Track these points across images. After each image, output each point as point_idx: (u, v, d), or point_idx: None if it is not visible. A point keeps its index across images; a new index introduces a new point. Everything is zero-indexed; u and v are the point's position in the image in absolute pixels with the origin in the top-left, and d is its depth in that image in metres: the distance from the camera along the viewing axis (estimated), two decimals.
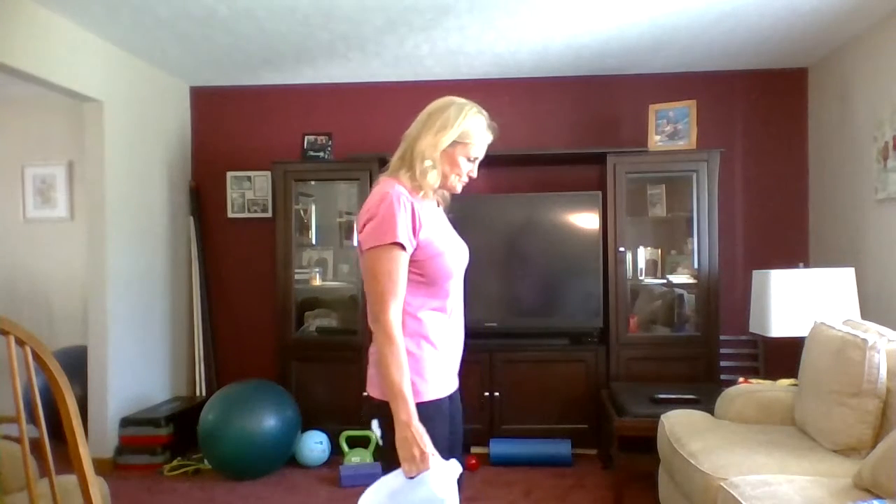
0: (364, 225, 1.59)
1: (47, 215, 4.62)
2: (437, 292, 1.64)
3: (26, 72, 3.15)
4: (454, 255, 1.68)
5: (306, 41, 3.71)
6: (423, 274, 1.61)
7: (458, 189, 1.74)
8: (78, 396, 1.71)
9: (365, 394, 1.67)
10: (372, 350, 1.63)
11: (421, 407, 1.53)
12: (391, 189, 1.58)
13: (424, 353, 1.61)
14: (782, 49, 3.91)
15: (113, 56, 3.78)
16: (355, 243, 1.77)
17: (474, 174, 1.74)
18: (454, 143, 1.66)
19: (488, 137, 1.72)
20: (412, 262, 1.59)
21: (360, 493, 1.51)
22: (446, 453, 1.56)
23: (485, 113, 1.71)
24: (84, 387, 3.74)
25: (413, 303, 1.61)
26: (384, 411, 1.54)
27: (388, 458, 1.56)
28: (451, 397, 1.70)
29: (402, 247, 1.55)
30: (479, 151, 1.71)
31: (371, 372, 1.65)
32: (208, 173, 4.59)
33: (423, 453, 1.47)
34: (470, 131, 1.67)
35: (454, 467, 1.50)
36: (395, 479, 1.49)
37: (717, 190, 3.84)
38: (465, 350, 1.79)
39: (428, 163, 1.63)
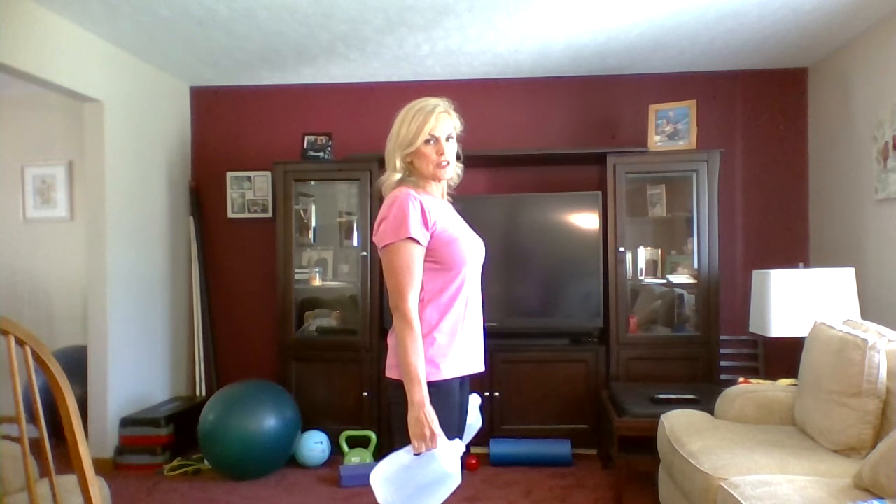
0: (378, 227, 1.74)
1: (47, 215, 4.62)
2: (454, 279, 1.75)
3: (26, 72, 3.15)
4: (468, 242, 1.78)
5: (306, 41, 3.71)
6: (438, 261, 1.72)
7: (444, 175, 1.80)
8: (78, 396, 1.71)
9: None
10: (391, 336, 1.76)
11: (433, 386, 1.66)
12: (399, 193, 1.73)
13: (439, 338, 1.72)
14: (782, 49, 3.91)
15: (113, 56, 3.78)
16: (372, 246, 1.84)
17: (450, 156, 1.79)
18: (408, 146, 1.75)
19: (435, 120, 1.76)
20: (428, 251, 1.72)
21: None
22: (453, 432, 1.69)
23: (431, 101, 1.77)
24: (84, 387, 3.74)
25: (431, 290, 1.72)
26: (400, 391, 1.66)
27: (400, 434, 1.68)
28: (462, 382, 1.80)
29: (416, 241, 1.68)
30: (437, 131, 1.76)
31: (390, 356, 1.76)
32: (208, 173, 4.59)
33: (433, 433, 1.60)
34: (410, 132, 1.74)
35: (458, 447, 1.63)
36: (405, 455, 1.63)
37: (717, 190, 3.84)
38: None
39: (397, 176, 1.78)
